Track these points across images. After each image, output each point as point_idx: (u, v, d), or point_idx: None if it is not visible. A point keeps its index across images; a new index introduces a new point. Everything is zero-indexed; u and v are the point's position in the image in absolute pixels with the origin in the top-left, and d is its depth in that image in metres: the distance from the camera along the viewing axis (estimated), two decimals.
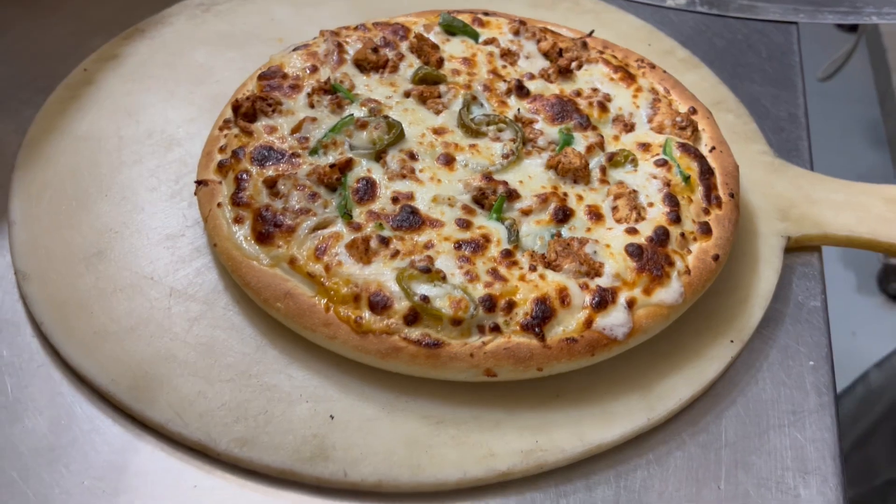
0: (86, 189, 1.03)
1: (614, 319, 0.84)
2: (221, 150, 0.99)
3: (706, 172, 0.98)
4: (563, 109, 1.05)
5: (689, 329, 0.91)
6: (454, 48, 1.15)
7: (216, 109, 1.09)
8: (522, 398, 0.84)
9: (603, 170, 0.99)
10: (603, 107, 1.07)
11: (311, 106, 1.03)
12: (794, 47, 1.43)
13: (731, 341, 0.91)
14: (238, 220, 0.91)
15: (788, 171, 1.13)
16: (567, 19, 1.36)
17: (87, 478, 0.77)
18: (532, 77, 1.11)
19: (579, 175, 0.97)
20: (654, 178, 0.97)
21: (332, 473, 0.76)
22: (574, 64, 1.13)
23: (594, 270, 0.87)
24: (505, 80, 1.09)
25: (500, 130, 1.02)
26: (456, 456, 0.78)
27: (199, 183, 0.96)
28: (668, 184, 0.96)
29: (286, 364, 0.85)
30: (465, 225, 0.91)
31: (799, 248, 1.05)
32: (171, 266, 0.94)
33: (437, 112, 1.04)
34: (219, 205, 0.93)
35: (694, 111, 1.08)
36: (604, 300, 0.84)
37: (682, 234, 0.92)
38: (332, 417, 0.81)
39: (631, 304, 0.85)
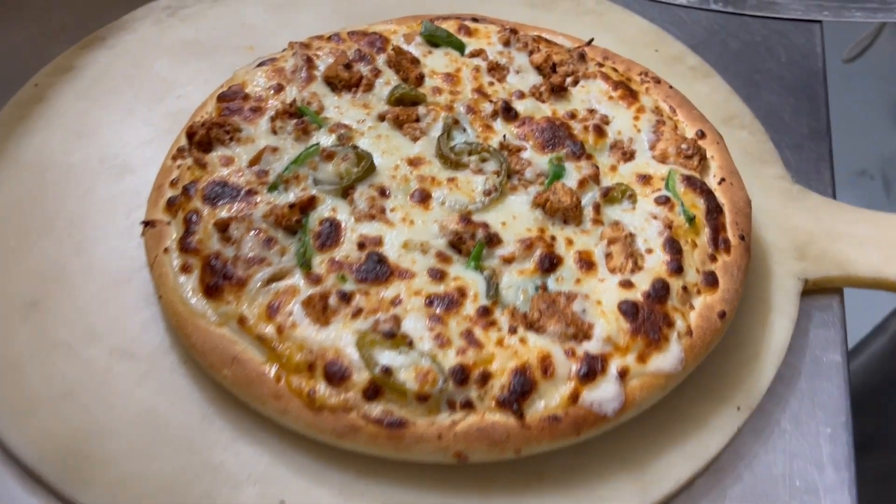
0: (27, 225, 0.93)
1: (604, 393, 0.73)
2: (173, 183, 0.89)
3: (714, 211, 0.87)
4: (555, 135, 0.94)
5: (690, 395, 0.81)
6: (436, 62, 1.03)
7: (176, 130, 0.99)
8: (498, 480, 0.74)
9: (597, 207, 0.88)
10: (600, 131, 0.95)
11: (274, 132, 0.93)
12: (816, 49, 1.29)
13: (738, 408, 0.81)
14: (185, 269, 0.81)
15: (808, 200, 1.01)
16: (566, 21, 1.24)
17: None
18: (522, 96, 1.00)
19: (569, 215, 0.86)
20: (655, 218, 0.86)
21: None
22: (569, 80, 1.02)
23: (582, 332, 0.77)
24: (491, 101, 0.98)
25: (483, 161, 0.91)
26: None
27: (146, 224, 0.87)
28: (669, 225, 0.85)
29: (234, 438, 0.76)
30: (438, 276, 0.80)
31: (818, 291, 0.94)
32: (114, 318, 0.85)
33: (414, 139, 0.94)
34: (166, 250, 0.83)
35: (702, 135, 0.97)
36: (592, 370, 0.74)
37: (685, 287, 0.81)
38: (282, 503, 0.72)
39: (623, 373, 0.75)
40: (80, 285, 0.88)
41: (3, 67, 1.14)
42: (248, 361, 0.75)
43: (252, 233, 0.82)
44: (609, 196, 0.89)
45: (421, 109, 0.96)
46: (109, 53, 1.15)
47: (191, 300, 0.79)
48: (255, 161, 0.90)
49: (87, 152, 1.02)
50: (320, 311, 0.77)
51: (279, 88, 0.98)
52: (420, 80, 1.01)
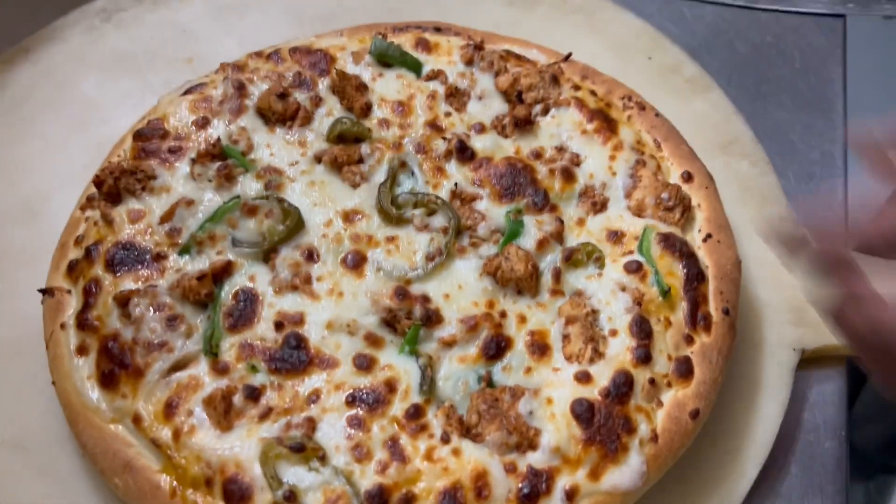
0: None
1: None
2: (77, 241, 0.79)
3: (694, 279, 0.75)
4: (515, 182, 0.81)
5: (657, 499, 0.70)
6: (387, 87, 0.90)
7: (96, 164, 0.88)
8: None
9: (557, 274, 0.76)
10: (568, 175, 0.82)
11: (194, 178, 0.82)
12: (837, 52, 1.13)
13: None
14: (82, 351, 0.72)
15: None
16: (550, 22, 1.09)
17: None
18: (482, 129, 0.87)
19: (524, 286, 0.74)
20: (623, 289, 0.74)
21: None
22: (538, 109, 0.88)
23: (527, 441, 0.66)
24: (445, 137, 0.85)
25: (430, 214, 0.79)
26: None
27: (44, 292, 0.77)
28: (639, 300, 0.73)
29: None
30: (366, 365, 0.70)
31: (816, 361, 0.82)
32: (8, 403, 0.76)
33: (354, 185, 0.82)
34: (63, 325, 0.74)
35: (689, 177, 0.83)
36: (535, 490, 0.64)
37: (652, 381, 0.69)
38: None
39: (572, 494, 0.64)
40: None
41: None
42: (141, 470, 0.66)
43: (155, 309, 0.72)
44: (572, 259, 0.77)
45: (364, 148, 0.84)
46: (33, 70, 1.04)
47: (85, 390, 0.70)
48: (167, 217, 0.78)
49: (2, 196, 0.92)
50: (222, 412, 0.67)
51: (204, 122, 0.86)
52: (367, 110, 0.88)
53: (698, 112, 1.00)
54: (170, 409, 0.67)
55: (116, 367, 0.70)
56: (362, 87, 0.89)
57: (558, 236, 0.78)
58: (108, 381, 0.70)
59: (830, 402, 0.80)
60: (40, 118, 0.99)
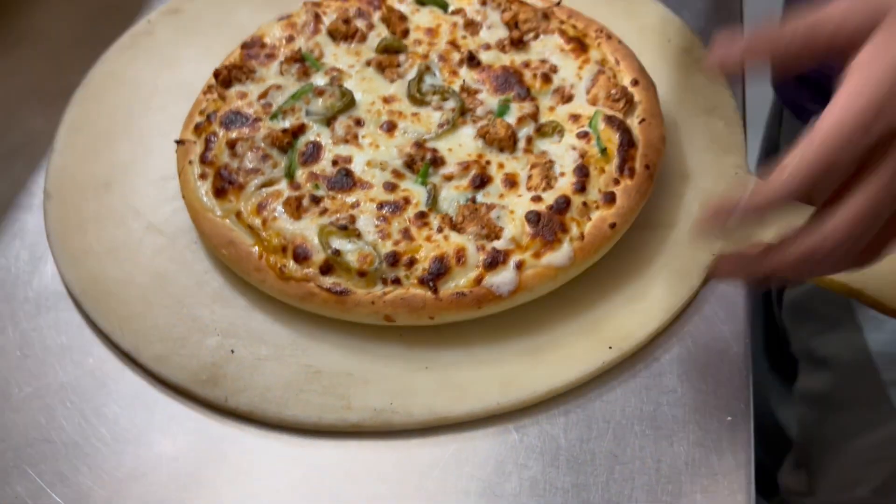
0: (115, 128, 1.21)
1: (502, 278, 0.94)
2: (201, 112, 1.15)
3: (626, 144, 1.05)
4: (507, 80, 1.14)
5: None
6: (422, 19, 1.24)
7: None
8: (391, 363, 0.96)
9: (529, 140, 1.07)
10: (546, 78, 1.14)
11: (282, 73, 1.17)
12: None
13: (610, 348, 0.95)
14: (203, 177, 1.07)
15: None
16: (597, 6, 1.30)
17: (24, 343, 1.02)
18: (488, 48, 1.19)
19: (504, 145, 1.06)
20: (574, 149, 1.05)
21: (216, 397, 0.92)
22: (531, 35, 1.20)
23: (494, 234, 0.98)
24: (460, 52, 1.18)
25: (444, 100, 1.12)
26: (319, 402, 0.92)
27: (178, 142, 1.13)
28: (583, 155, 1.04)
29: (214, 300, 1.02)
30: (391, 188, 1.03)
31: None
32: (155, 203, 1.12)
33: (392, 80, 1.15)
34: (190, 162, 1.09)
35: (636, 83, 1.14)
36: (495, 261, 0.95)
37: (585, 203, 1.00)
38: (232, 352, 0.97)
39: (520, 265, 0.95)
40: (138, 176, 1.15)
41: (128, 7, 1.43)
42: (240, 244, 1.00)
43: (253, 150, 1.07)
44: (541, 131, 1.08)
45: (402, 57, 1.18)
46: (207, 1, 1.39)
47: (204, 199, 1.05)
48: (262, 96, 1.14)
49: (171, 79, 1.27)
50: (295, 209, 1.01)
51: (290, 39, 1.21)
52: (405, 33, 1.22)
53: (696, 83, 1.23)
54: (260, 208, 1.02)
55: (226, 184, 1.05)
56: (403, 18, 1.23)
57: (534, 117, 1.10)
58: (220, 193, 1.04)
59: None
60: (208, 33, 1.32)
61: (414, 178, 1.04)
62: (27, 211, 1.16)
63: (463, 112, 1.11)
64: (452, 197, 1.02)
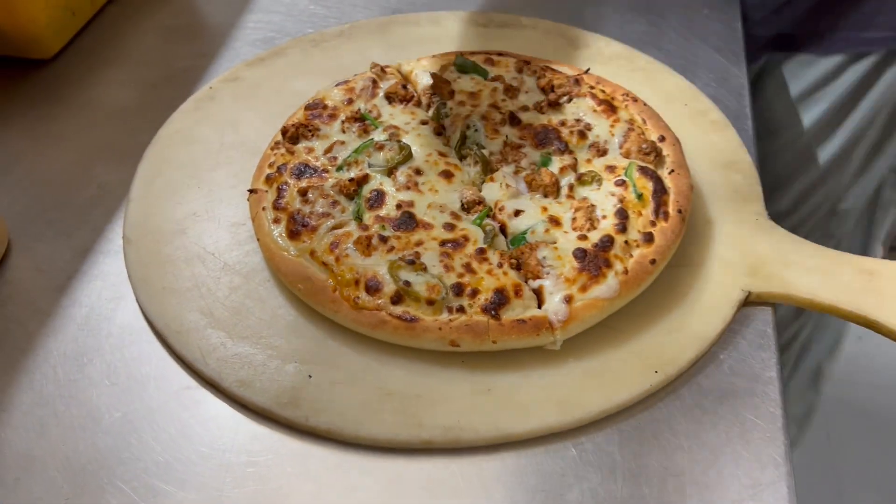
0: (185, 180, 1.33)
1: (555, 309, 1.05)
2: (270, 165, 1.26)
3: (659, 192, 1.18)
4: (547, 137, 1.27)
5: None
6: (464, 84, 1.38)
7: None
8: (456, 385, 1.04)
9: (571, 187, 1.20)
10: (582, 135, 1.28)
11: (343, 131, 1.29)
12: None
13: (655, 372, 1.03)
14: (276, 221, 1.18)
15: (775, 233, 1.20)
16: (619, 74, 1.47)
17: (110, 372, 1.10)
18: (526, 109, 1.33)
19: (549, 191, 1.18)
20: (613, 195, 1.17)
21: (296, 418, 1.00)
22: (564, 98, 1.34)
23: (545, 270, 1.08)
24: (501, 112, 1.32)
25: (476, 163, 1.25)
26: (392, 421, 1.00)
27: (250, 191, 1.24)
28: (622, 200, 1.16)
29: (290, 332, 1.11)
30: (450, 228, 1.14)
31: (756, 304, 1.15)
32: (229, 246, 1.22)
33: (438, 134, 1.28)
34: (263, 208, 1.20)
35: (662, 139, 1.27)
36: (548, 293, 1.06)
37: (626, 242, 1.11)
38: (310, 377, 1.05)
39: (569, 298, 1.05)
40: (211, 223, 1.26)
41: (189, 76, 1.58)
42: (315, 279, 1.10)
43: (323, 197, 1.18)
44: (581, 179, 1.21)
45: (446, 122, 1.31)
46: (266, 70, 1.54)
47: (279, 241, 1.15)
48: (328, 150, 1.26)
49: (234, 138, 1.40)
50: (365, 247, 1.11)
51: (350, 101, 1.35)
52: (451, 94, 1.36)
53: (714, 142, 1.36)
54: (332, 247, 1.12)
55: (299, 227, 1.15)
56: (447, 82, 1.38)
57: (573, 167, 1.23)
58: (294, 235, 1.15)
59: (766, 345, 1.12)
60: (268, 98, 1.46)
61: (471, 218, 1.16)
62: (107, 256, 1.26)
63: (490, 170, 1.23)
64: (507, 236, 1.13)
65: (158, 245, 1.23)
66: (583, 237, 1.12)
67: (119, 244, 1.26)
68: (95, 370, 1.10)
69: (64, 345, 1.13)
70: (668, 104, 1.43)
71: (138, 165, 1.37)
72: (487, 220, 1.15)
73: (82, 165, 1.42)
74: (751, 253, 1.19)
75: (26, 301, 1.20)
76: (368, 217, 1.16)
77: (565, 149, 1.25)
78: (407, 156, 1.23)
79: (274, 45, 1.62)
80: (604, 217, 1.15)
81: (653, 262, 1.10)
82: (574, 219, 1.15)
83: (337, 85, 1.39)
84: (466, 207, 1.17)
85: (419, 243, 1.12)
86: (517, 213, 1.17)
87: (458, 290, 1.05)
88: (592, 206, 1.16)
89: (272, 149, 1.30)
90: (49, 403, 1.06)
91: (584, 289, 1.06)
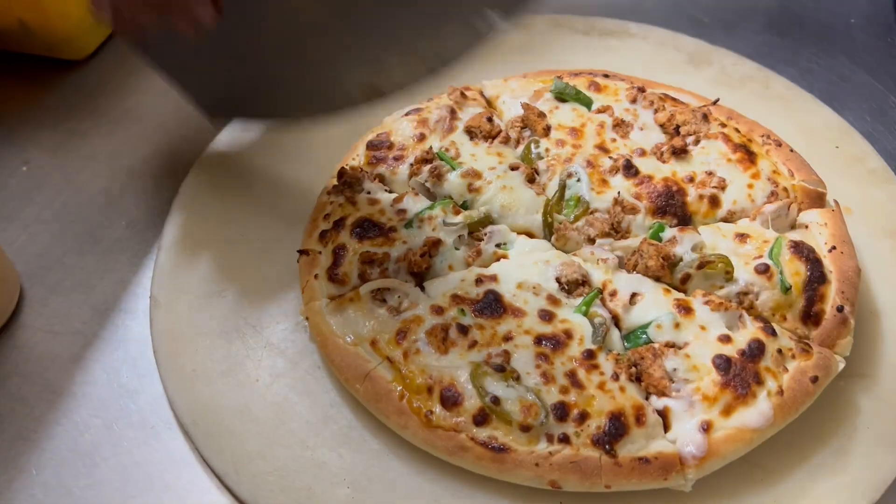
0: (229, 223, 1.12)
1: (688, 441, 0.80)
2: (326, 217, 1.03)
3: (815, 281, 0.91)
4: (669, 202, 1.01)
5: None
6: (564, 116, 1.12)
7: None
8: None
9: (687, 277, 0.94)
10: (714, 202, 1.01)
11: (412, 175, 1.06)
12: None
13: None
14: (332, 297, 0.95)
15: None
16: (751, 102, 1.22)
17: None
18: (643, 153, 1.07)
19: (660, 276, 0.93)
20: (752, 286, 0.92)
21: None
22: (691, 140, 1.08)
23: (675, 385, 0.84)
24: (611, 157, 1.06)
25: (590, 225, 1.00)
26: None
27: (301, 252, 1.01)
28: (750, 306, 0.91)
29: (342, 442, 0.89)
30: (547, 317, 0.90)
31: None
32: (273, 318, 1.01)
33: (540, 190, 1.04)
34: (316, 276, 0.98)
35: (819, 200, 1.00)
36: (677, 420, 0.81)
37: (780, 350, 0.86)
38: None
39: (707, 427, 0.81)
40: (255, 286, 1.04)
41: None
42: (378, 379, 0.88)
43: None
44: (704, 268, 0.93)
45: (541, 164, 1.06)
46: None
47: (332, 324, 0.93)
48: (397, 201, 1.02)
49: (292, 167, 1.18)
50: (441, 340, 0.88)
51: (422, 137, 1.10)
52: (547, 131, 1.10)
53: (875, 199, 1.10)
54: (399, 337, 0.89)
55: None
56: (542, 115, 1.12)
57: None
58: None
59: None
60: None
61: (571, 303, 0.91)
62: (131, 317, 1.06)
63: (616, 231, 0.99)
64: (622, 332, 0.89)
65: (191, 311, 1.01)
66: (725, 338, 0.86)
67: (145, 303, 1.05)
68: (107, 473, 0.91)
69: (74, 437, 0.94)
70: (813, 144, 1.15)
71: (174, 200, 1.15)
72: (595, 309, 0.91)
73: (111, 196, 1.22)
74: None
75: (36, 373, 1.01)
76: (442, 295, 0.93)
77: (687, 222, 0.99)
78: (486, 217, 1.00)
79: None
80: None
81: (814, 379, 0.85)
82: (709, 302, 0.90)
83: (406, 114, 1.15)
84: (567, 288, 0.93)
85: (508, 338, 0.88)
86: (633, 298, 0.92)
87: (562, 412, 0.82)
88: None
89: (329, 194, 1.07)
90: None
91: (727, 412, 0.82)
